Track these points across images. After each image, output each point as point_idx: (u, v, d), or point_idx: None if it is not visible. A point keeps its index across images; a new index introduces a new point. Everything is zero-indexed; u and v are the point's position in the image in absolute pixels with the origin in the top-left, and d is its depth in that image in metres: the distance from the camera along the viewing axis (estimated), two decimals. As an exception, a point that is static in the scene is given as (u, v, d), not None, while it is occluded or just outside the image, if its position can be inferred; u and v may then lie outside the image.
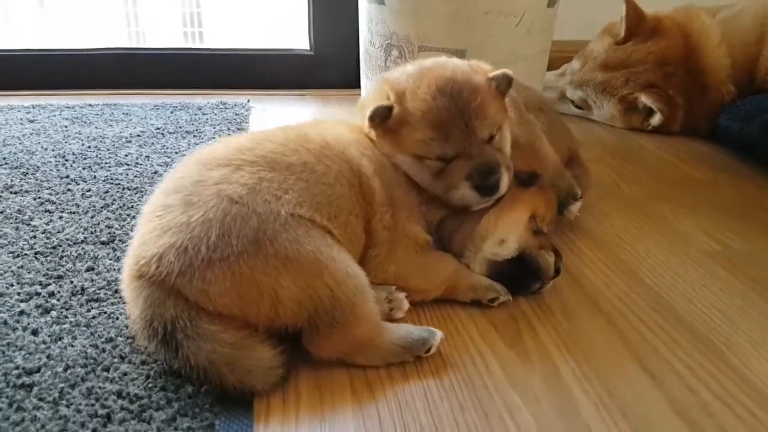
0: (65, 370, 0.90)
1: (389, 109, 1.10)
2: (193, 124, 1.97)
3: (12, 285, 1.10)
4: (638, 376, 0.97)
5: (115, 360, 0.93)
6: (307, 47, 2.48)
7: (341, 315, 0.91)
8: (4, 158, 1.64)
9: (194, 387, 0.87)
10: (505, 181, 1.10)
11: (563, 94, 2.29)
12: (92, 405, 0.84)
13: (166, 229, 0.92)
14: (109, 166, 1.62)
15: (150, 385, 0.88)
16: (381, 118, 1.11)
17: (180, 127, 1.93)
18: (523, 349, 1.02)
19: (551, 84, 2.31)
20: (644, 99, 2.07)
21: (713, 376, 0.97)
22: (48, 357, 0.93)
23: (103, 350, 0.95)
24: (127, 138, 1.83)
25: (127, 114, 2.04)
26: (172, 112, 2.07)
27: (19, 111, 2.04)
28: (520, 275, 1.13)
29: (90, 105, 2.12)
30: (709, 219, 1.50)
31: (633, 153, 1.98)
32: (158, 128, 1.92)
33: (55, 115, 2.00)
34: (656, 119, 2.09)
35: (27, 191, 1.46)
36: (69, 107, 2.09)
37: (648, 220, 1.49)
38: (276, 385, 0.89)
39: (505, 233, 1.12)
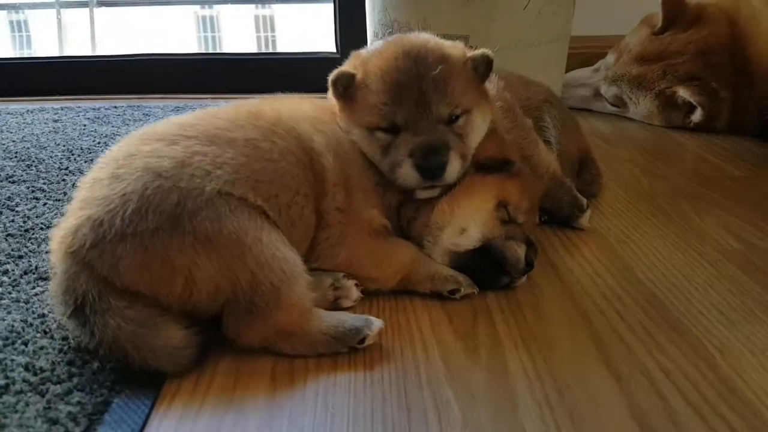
0: (-14, 342, 0.88)
1: (351, 76, 1.04)
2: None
3: (-29, 263, 1.10)
4: (601, 378, 0.84)
5: (38, 335, 0.90)
6: (333, 49, 2.45)
7: (262, 300, 0.85)
8: (17, 153, 1.69)
9: (100, 364, 0.83)
10: (454, 167, 1.00)
11: (597, 92, 2.14)
12: (-5, 376, 0.81)
13: (89, 201, 0.88)
14: (111, 160, 1.63)
15: (59, 359, 0.84)
16: (343, 84, 1.05)
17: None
18: (474, 343, 0.92)
19: (584, 81, 2.18)
20: (683, 93, 1.90)
21: (693, 382, 0.83)
22: (-23, 330, 0.91)
23: (31, 325, 0.92)
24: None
25: (146, 114, 2.07)
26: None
27: (48, 112, 2.11)
28: (485, 268, 1.03)
29: (114, 107, 2.17)
30: (737, 216, 1.34)
31: (668, 151, 1.82)
32: (173, 126, 1.93)
33: (78, 116, 2.06)
34: (697, 115, 1.91)
35: (24, 181, 1.49)
36: (95, 109, 2.14)
37: (664, 217, 1.34)
38: (186, 367, 0.84)
39: (465, 221, 1.02)
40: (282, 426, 0.76)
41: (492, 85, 1.26)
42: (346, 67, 1.08)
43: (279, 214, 0.93)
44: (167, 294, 0.83)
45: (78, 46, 3.99)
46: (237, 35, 5.25)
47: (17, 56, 3.81)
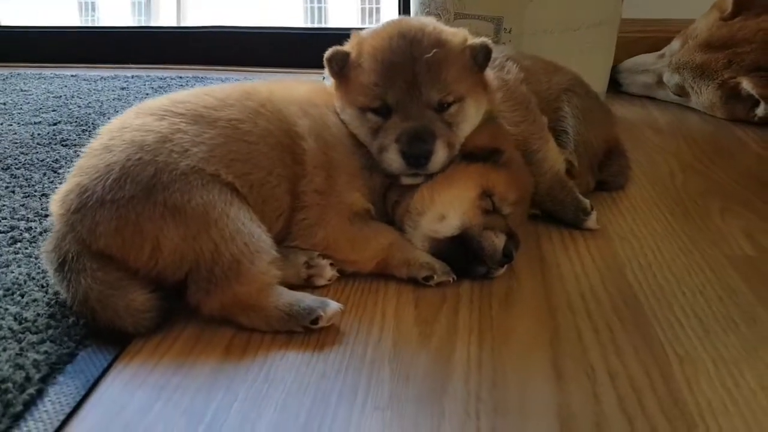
0: (-8, 291, 0.99)
1: (346, 54, 1.07)
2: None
3: (5, 219, 1.22)
4: (542, 375, 0.84)
5: (35, 288, 1.00)
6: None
7: (222, 272, 0.90)
8: (78, 118, 1.84)
9: (76, 319, 0.91)
10: (439, 156, 1.01)
11: (660, 79, 2.03)
12: (-15, 321, 0.91)
13: (82, 169, 0.97)
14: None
15: (44, 311, 0.94)
16: (337, 63, 1.07)
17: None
18: (430, 330, 0.93)
19: (648, 67, 2.07)
20: (746, 85, 1.77)
21: (637, 389, 0.81)
22: (-13, 279, 1.02)
23: (33, 279, 1.02)
24: (191, 106, 1.95)
25: (206, 85, 2.17)
26: (247, 86, 2.17)
27: (119, 80, 2.27)
28: (463, 256, 1.03)
29: (180, 77, 2.29)
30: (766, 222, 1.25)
31: (722, 146, 1.71)
32: (224, 99, 2.02)
33: (145, 85, 2.20)
34: (761, 109, 1.78)
35: (75, 145, 1.62)
36: (161, 78, 2.28)
37: (681, 216, 1.28)
38: (148, 329, 0.91)
39: (445, 209, 1.03)
40: (219, 391, 0.81)
41: (511, 75, 1.25)
42: (344, 46, 1.10)
43: (250, 191, 0.98)
44: (135, 259, 0.90)
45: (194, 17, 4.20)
46: (342, 6, 5.34)
47: (116, 25, 4.07)
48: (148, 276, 0.91)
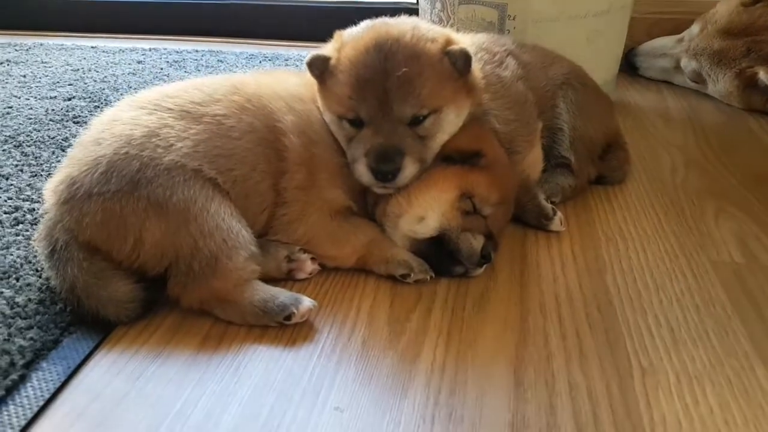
0: (-10, 273, 1.04)
1: (326, 60, 1.06)
2: (270, 73, 2.06)
3: (6, 200, 1.27)
4: (502, 382, 0.86)
5: (30, 273, 1.05)
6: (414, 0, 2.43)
7: (199, 266, 0.93)
8: (93, 93, 1.88)
9: (64, 306, 0.96)
10: (407, 173, 1.01)
11: (678, 64, 1.97)
12: (-21, 304, 0.96)
13: (73, 160, 1.00)
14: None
15: (35, 297, 0.98)
16: (318, 68, 1.07)
17: (255, 76, 2.03)
18: (401, 329, 0.96)
19: (666, 51, 2.01)
20: (763, 76, 1.72)
21: (594, 400, 0.82)
22: (-13, 261, 1.08)
23: (30, 263, 1.07)
24: (202, 82, 1.97)
25: (220, 61, 2.19)
26: (260, 62, 2.18)
27: (137, 53, 2.29)
28: (442, 256, 1.05)
29: (196, 51, 2.31)
30: (761, 226, 1.23)
31: (734, 140, 1.66)
32: (236, 75, 2.04)
33: (161, 58, 2.22)
34: (777, 101, 1.73)
35: (86, 122, 1.65)
36: (177, 52, 2.30)
37: (675, 217, 1.26)
38: (129, 318, 0.95)
39: (424, 210, 1.04)
40: (190, 384, 0.85)
41: (508, 72, 1.23)
42: (326, 49, 1.10)
43: (233, 187, 1.00)
44: (118, 251, 0.94)
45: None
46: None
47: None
48: (130, 268, 0.95)
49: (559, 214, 1.21)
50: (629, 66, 2.10)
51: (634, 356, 0.90)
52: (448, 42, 1.05)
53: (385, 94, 1.00)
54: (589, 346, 0.92)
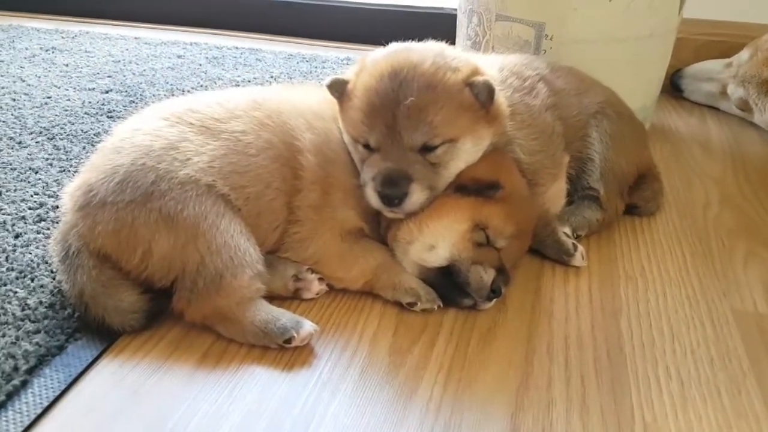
0: (8, 270, 1.07)
1: (345, 83, 1.06)
2: (306, 76, 2.06)
3: (32, 195, 1.30)
4: (497, 428, 0.84)
5: (44, 274, 1.07)
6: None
7: (204, 283, 0.94)
8: (130, 87, 1.90)
9: (72, 311, 0.98)
10: (415, 199, 0.99)
11: (725, 89, 1.90)
12: (-6, 306, 0.99)
13: (93, 166, 1.02)
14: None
15: (46, 300, 1.00)
16: (337, 90, 1.07)
17: (291, 78, 2.03)
18: (401, 361, 0.94)
19: (714, 75, 1.94)
20: (812, 109, 1.64)
21: (592, 454, 0.80)
22: (6, 258, 1.10)
23: (46, 263, 1.10)
24: (237, 82, 1.98)
25: (258, 60, 2.20)
26: (297, 63, 2.18)
27: (178, 46, 2.32)
28: (451, 287, 1.03)
29: (236, 47, 2.32)
30: (793, 273, 1.18)
31: (775, 174, 1.60)
32: (272, 76, 2.05)
33: (200, 53, 2.24)
34: (826, 136, 1.64)
35: (120, 117, 1.69)
36: (218, 48, 2.31)
37: (702, 258, 1.22)
38: (134, 328, 0.96)
39: (435, 239, 1.02)
40: (184, 402, 0.86)
41: (537, 100, 1.20)
42: (347, 72, 1.10)
43: (245, 204, 1.00)
44: (127, 261, 0.95)
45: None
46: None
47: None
48: (138, 279, 0.96)
49: (580, 248, 1.17)
50: (674, 87, 2.03)
51: (638, 410, 0.87)
52: (474, 72, 1.02)
53: (394, 122, 0.99)
54: (592, 396, 0.89)
